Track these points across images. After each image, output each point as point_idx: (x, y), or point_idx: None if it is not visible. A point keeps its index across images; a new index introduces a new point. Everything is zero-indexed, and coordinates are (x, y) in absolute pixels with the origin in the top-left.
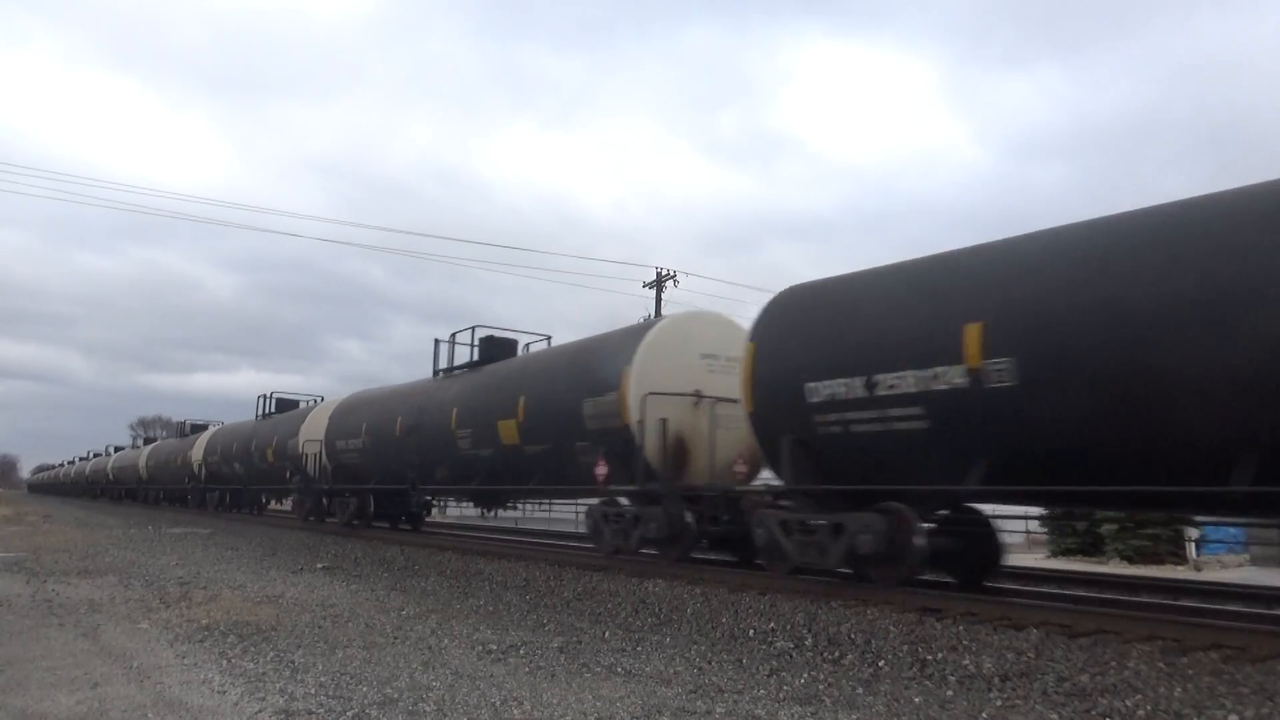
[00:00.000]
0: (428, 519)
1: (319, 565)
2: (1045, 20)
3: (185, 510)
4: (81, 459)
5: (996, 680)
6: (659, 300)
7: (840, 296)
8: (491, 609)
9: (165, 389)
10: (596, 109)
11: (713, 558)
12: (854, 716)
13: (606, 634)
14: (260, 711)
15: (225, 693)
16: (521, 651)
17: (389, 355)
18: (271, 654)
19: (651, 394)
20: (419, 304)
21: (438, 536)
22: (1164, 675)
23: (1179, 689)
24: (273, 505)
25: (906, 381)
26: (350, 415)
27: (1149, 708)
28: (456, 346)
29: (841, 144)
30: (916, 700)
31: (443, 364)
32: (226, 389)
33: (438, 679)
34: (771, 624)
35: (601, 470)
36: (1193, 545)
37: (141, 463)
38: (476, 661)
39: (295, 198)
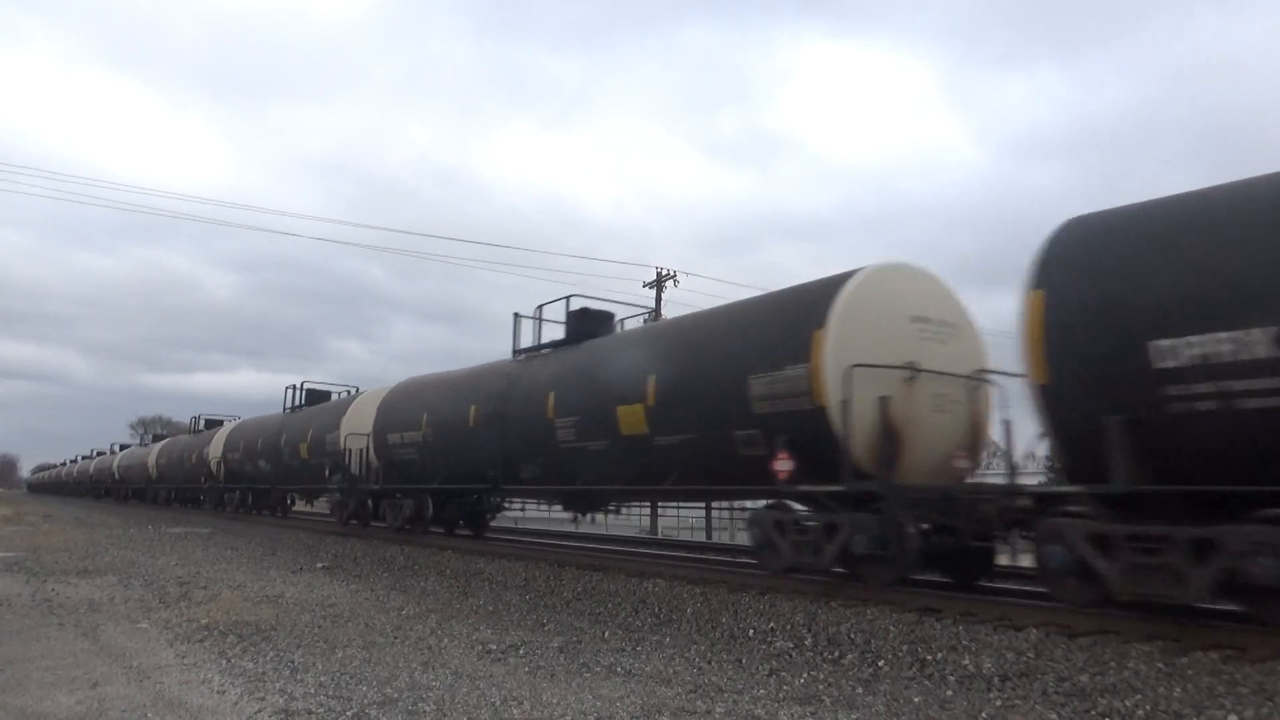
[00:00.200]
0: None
1: (319, 565)
2: (1043, 21)
3: (199, 511)
4: (85, 457)
5: (996, 680)
6: (659, 300)
7: (1222, 215)
8: (491, 609)
9: (165, 389)
10: (595, 109)
11: (914, 577)
12: (854, 716)
13: (606, 634)
14: (260, 711)
15: (225, 692)
16: (521, 651)
17: (388, 355)
18: (271, 654)
19: (858, 366)
20: (418, 304)
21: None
22: (1164, 675)
23: (1179, 689)
24: (298, 506)
25: None
26: (406, 404)
27: (1149, 708)
28: (544, 324)
29: (840, 144)
30: (916, 700)
31: (524, 342)
32: (226, 389)
33: (437, 679)
34: (771, 624)
35: (785, 465)
36: None
37: (151, 461)
38: (476, 661)
39: (295, 198)
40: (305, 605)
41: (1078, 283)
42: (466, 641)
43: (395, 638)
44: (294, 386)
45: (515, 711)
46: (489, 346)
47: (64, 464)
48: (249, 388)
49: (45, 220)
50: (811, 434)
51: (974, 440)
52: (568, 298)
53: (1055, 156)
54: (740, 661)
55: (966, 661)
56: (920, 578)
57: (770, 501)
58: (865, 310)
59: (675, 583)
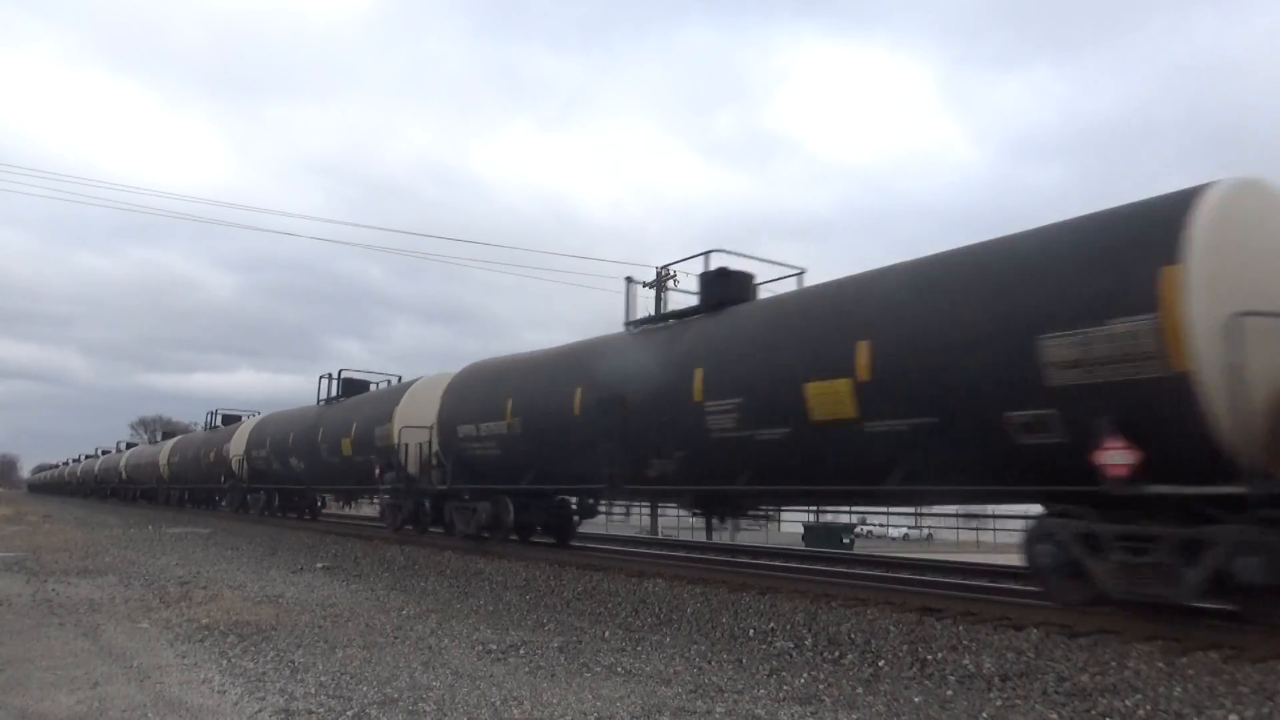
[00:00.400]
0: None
1: (319, 565)
2: (1041, 21)
3: (219, 514)
4: (89, 456)
5: (997, 680)
6: (659, 300)
7: None
8: (491, 609)
9: (165, 389)
10: (594, 109)
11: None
12: (854, 716)
13: (606, 634)
14: (260, 711)
15: (225, 692)
16: (521, 651)
17: (388, 355)
18: (271, 654)
19: (1249, 315)
20: (417, 303)
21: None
22: (1164, 675)
23: (1179, 689)
24: (328, 509)
25: None
26: (482, 390)
27: (1149, 708)
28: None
29: (838, 144)
30: (916, 700)
31: (638, 314)
32: (226, 389)
33: (438, 679)
34: (771, 624)
35: (1120, 458)
36: None
37: (163, 459)
38: (476, 661)
39: (293, 198)
40: (306, 605)
41: None
42: (467, 641)
43: (395, 638)
44: (329, 375)
45: (515, 711)
46: (489, 346)
47: (65, 464)
48: (249, 387)
49: (44, 220)
50: (1161, 413)
51: None
52: (707, 253)
53: (1052, 156)
54: (740, 661)
55: (967, 661)
56: None
57: (1055, 508)
58: (1242, 236)
59: (675, 583)
